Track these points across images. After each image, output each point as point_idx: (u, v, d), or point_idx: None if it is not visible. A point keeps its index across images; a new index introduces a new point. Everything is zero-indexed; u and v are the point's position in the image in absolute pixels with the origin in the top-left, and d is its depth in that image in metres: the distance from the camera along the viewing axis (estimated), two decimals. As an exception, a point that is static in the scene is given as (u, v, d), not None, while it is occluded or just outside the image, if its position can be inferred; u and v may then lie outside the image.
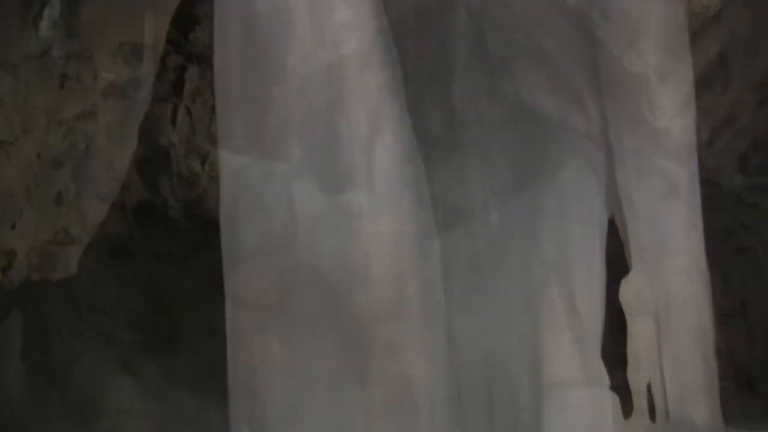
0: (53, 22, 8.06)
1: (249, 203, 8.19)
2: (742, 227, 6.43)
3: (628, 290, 7.09)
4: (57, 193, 7.39)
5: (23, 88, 7.46)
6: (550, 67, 6.93)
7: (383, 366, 7.38)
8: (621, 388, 7.02)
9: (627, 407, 7.04)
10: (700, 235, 6.53)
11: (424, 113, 8.14)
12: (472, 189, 7.92)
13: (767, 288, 6.45)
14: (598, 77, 6.62)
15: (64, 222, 7.35)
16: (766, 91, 5.93)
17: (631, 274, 7.07)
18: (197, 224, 7.74)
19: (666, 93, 6.13)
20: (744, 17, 5.82)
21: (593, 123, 6.87)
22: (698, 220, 6.49)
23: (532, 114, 7.39)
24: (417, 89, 8.18)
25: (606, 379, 6.93)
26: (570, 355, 7.05)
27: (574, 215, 7.36)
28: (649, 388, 6.96)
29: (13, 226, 7.13)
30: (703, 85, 6.01)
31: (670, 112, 6.18)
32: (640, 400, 7.02)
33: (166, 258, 7.61)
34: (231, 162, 8.31)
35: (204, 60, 8.46)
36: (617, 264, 7.12)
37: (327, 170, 8.21)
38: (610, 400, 6.96)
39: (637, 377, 7.07)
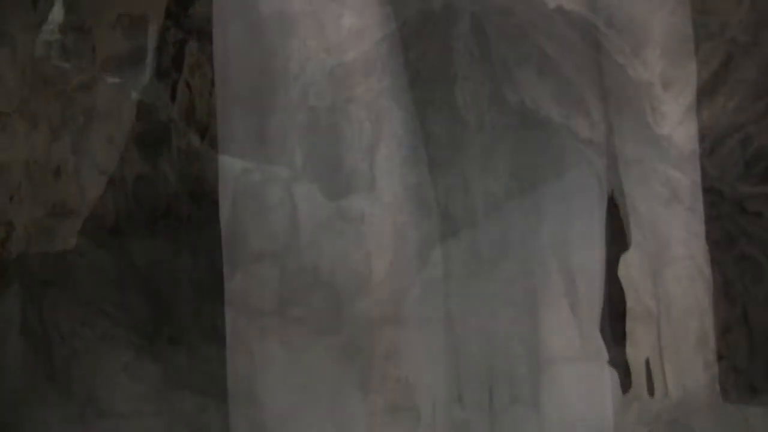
0: (52, -6, 8.09)
1: (250, 207, 8.21)
2: (745, 235, 6.43)
3: (629, 297, 7.11)
4: (56, 166, 7.39)
5: (21, 60, 7.46)
6: (553, 74, 6.94)
7: (384, 370, 7.40)
8: (619, 363, 7.05)
9: (626, 382, 7.06)
10: (702, 242, 6.55)
11: (427, 119, 8.16)
12: (474, 195, 7.94)
13: (769, 296, 6.47)
14: (601, 85, 6.63)
15: (62, 195, 7.36)
16: (769, 99, 5.94)
17: (633, 281, 7.08)
18: (196, 199, 7.75)
19: (669, 101, 6.14)
20: (748, 26, 5.82)
21: (596, 130, 6.88)
22: (700, 227, 6.50)
23: (535, 120, 7.40)
24: (419, 94, 8.21)
25: (605, 354, 6.96)
26: (568, 332, 7.10)
27: (576, 221, 7.38)
28: (648, 364, 6.97)
29: (11, 199, 7.14)
30: (706, 94, 6.04)
31: (674, 120, 6.19)
32: (638, 376, 7.05)
33: (165, 233, 7.61)
34: (232, 166, 8.32)
35: (204, 34, 8.43)
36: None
37: (329, 175, 8.23)
38: (608, 375, 7.00)
39: (635, 354, 7.10)
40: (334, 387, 7.45)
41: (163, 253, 7.49)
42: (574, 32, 6.40)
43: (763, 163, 6.03)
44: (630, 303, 7.09)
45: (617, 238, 7.05)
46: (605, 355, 7.03)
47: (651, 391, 6.99)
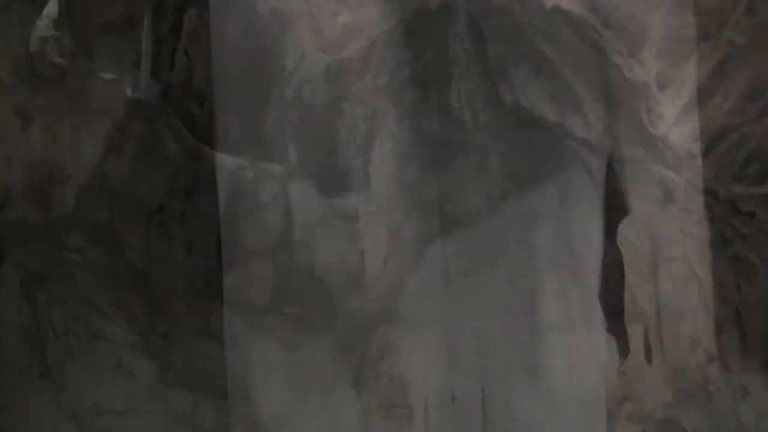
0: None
1: (244, 204, 8.22)
2: (739, 236, 6.43)
3: (623, 298, 7.13)
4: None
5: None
6: (549, 74, 6.95)
7: (378, 369, 7.43)
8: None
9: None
10: (696, 243, 6.56)
11: (422, 117, 8.17)
12: (470, 193, 7.94)
13: (762, 297, 6.47)
14: (598, 85, 6.64)
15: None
16: (765, 101, 5.93)
17: (627, 281, 7.09)
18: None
19: (665, 101, 6.16)
20: (745, 27, 5.83)
21: (592, 130, 6.89)
22: (694, 228, 6.52)
23: (531, 120, 7.42)
24: (415, 93, 8.21)
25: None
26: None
27: (572, 221, 7.40)
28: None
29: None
30: (702, 95, 6.05)
31: (669, 121, 6.20)
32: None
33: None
34: (227, 163, 8.33)
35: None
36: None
37: (323, 173, 8.24)
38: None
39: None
40: (328, 384, 7.47)
41: (158, 249, 7.50)
42: (571, 32, 6.41)
43: (758, 164, 6.04)
44: (624, 303, 7.11)
45: (611, 238, 7.07)
46: (603, 357, 7.06)
47: (645, 395, 7.02)
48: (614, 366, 7.13)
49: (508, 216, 7.76)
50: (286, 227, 8.27)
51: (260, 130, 8.73)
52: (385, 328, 7.47)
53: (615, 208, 6.97)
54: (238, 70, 8.16)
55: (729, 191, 6.22)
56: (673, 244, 6.70)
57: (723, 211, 6.41)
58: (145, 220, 7.58)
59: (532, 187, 7.79)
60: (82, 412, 6.84)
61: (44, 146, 7.32)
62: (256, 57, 8.22)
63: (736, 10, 5.84)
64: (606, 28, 6.14)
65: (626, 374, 7.17)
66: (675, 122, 6.16)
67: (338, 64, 8.00)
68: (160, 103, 8.28)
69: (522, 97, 7.21)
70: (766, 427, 6.50)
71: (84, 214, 7.33)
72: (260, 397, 7.27)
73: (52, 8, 8.54)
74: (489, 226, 7.81)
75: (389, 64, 8.17)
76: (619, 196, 6.92)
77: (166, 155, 7.73)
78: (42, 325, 6.92)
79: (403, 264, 7.96)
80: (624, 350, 7.14)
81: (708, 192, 6.36)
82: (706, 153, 6.15)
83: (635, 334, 7.10)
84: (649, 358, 7.07)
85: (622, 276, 7.08)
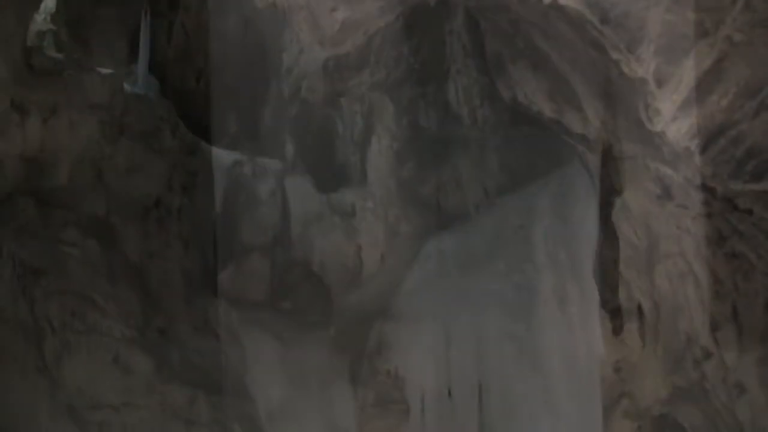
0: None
1: (241, 200, 8.22)
2: (736, 233, 6.43)
3: (620, 294, 7.14)
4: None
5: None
6: (547, 70, 6.95)
7: (375, 364, 7.43)
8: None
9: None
10: (693, 239, 6.56)
11: (419, 113, 8.17)
12: (467, 189, 7.95)
13: (759, 293, 6.46)
14: (595, 81, 6.64)
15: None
16: (762, 98, 5.92)
17: (624, 277, 7.10)
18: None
19: (663, 98, 6.15)
20: (742, 24, 5.82)
21: (589, 126, 6.89)
22: (691, 224, 6.52)
23: (528, 116, 7.42)
24: (412, 89, 8.21)
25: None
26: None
27: (569, 217, 7.41)
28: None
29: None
30: (700, 91, 6.03)
31: (667, 117, 6.18)
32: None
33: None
34: (224, 158, 8.32)
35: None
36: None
37: (321, 168, 8.24)
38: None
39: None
40: (325, 380, 7.47)
41: (155, 244, 7.48)
42: (568, 28, 6.40)
43: (755, 161, 6.02)
44: (621, 299, 7.11)
45: (609, 234, 7.07)
46: (600, 353, 7.07)
47: (641, 392, 7.04)
48: (611, 363, 7.14)
49: (506, 212, 7.77)
50: (283, 222, 8.27)
51: (257, 125, 8.74)
52: (382, 323, 7.48)
53: (612, 204, 6.97)
54: (235, 65, 8.16)
55: (726, 188, 6.21)
56: (670, 241, 6.70)
57: (720, 208, 6.40)
58: (142, 215, 7.57)
59: (529, 183, 7.80)
60: (79, 407, 6.83)
61: (41, 140, 7.31)
62: (253, 52, 8.22)
63: (734, 8, 5.82)
64: (604, 24, 6.13)
65: (622, 371, 7.17)
66: (673, 119, 6.15)
67: (336, 59, 8.00)
68: (157, 97, 8.29)
69: (520, 93, 7.21)
70: (763, 423, 6.50)
71: (80, 208, 7.33)
72: (257, 392, 7.28)
73: (49, 3, 8.54)
74: (486, 222, 7.81)
75: (387, 60, 8.17)
76: (616, 192, 6.92)
77: (163, 150, 7.73)
78: (39, 320, 6.91)
79: (401, 260, 7.97)
80: (620, 347, 7.15)
81: (705, 189, 6.35)
82: (703, 150, 6.13)
83: (632, 330, 7.11)
84: (645, 354, 7.09)
85: (619, 272, 7.10)
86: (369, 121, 8.06)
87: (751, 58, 5.89)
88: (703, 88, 6.01)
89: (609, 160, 6.89)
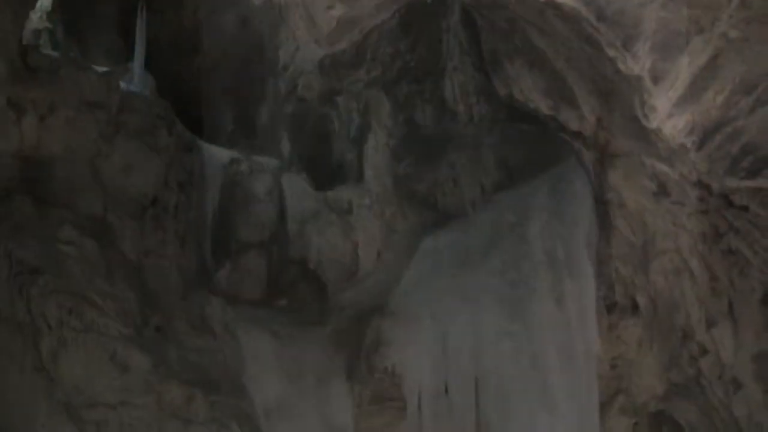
0: None
1: (238, 197, 8.22)
2: (732, 229, 6.44)
3: (616, 291, 7.15)
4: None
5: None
6: (543, 67, 6.95)
7: (371, 361, 7.43)
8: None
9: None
10: (689, 236, 6.57)
11: (416, 110, 8.17)
12: (463, 186, 7.95)
13: (755, 290, 6.47)
14: (591, 78, 6.64)
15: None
16: (758, 95, 5.93)
17: (620, 274, 7.11)
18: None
19: (659, 94, 6.15)
20: (738, 21, 5.82)
21: (585, 123, 6.90)
22: (687, 221, 6.53)
23: (525, 113, 7.42)
24: (409, 86, 8.22)
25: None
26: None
27: (564, 214, 7.41)
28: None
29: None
30: (696, 88, 6.03)
31: (663, 114, 6.18)
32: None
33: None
34: (221, 156, 8.32)
35: None
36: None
37: (317, 166, 8.25)
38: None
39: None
40: (321, 377, 7.47)
41: (152, 242, 7.48)
42: (564, 25, 6.40)
43: (751, 158, 6.02)
44: (617, 296, 7.12)
45: (605, 231, 7.08)
46: (597, 350, 7.08)
47: (638, 388, 7.05)
48: (607, 359, 7.15)
49: (502, 209, 7.76)
50: (280, 220, 8.27)
51: (254, 123, 8.74)
52: (379, 321, 7.47)
53: (608, 201, 6.98)
54: (232, 63, 8.17)
55: (722, 184, 6.22)
56: (666, 237, 6.71)
57: (716, 205, 6.41)
58: (139, 213, 7.57)
59: (526, 180, 7.80)
60: (76, 405, 6.81)
61: (37, 138, 7.31)
62: (250, 50, 8.22)
63: (729, 4, 5.82)
64: (600, 21, 6.12)
65: (619, 367, 7.18)
66: (668, 115, 6.15)
67: (332, 57, 7.99)
68: (153, 95, 8.29)
69: (516, 90, 7.21)
70: (759, 419, 6.51)
71: (77, 207, 7.32)
72: (254, 390, 7.27)
73: (45, 1, 8.55)
74: (483, 219, 7.81)
75: (383, 57, 8.17)
76: (612, 189, 6.92)
77: (159, 148, 7.72)
78: (36, 319, 6.89)
79: (397, 257, 7.96)
80: (617, 343, 7.16)
81: (701, 185, 6.36)
82: (699, 146, 6.14)
83: (628, 327, 7.12)
84: (642, 351, 7.10)
85: (616, 269, 7.11)
86: (365, 118, 8.06)
87: (746, 55, 5.89)
88: (699, 84, 6.01)
89: (605, 156, 6.90)
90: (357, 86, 8.06)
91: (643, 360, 7.09)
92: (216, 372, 7.22)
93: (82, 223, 7.28)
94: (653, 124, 6.25)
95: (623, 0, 6.07)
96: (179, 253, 7.68)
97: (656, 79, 6.14)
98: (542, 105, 7.12)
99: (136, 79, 8.54)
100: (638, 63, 6.10)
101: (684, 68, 6.03)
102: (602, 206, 7.06)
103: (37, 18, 8.40)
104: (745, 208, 6.30)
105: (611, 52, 6.19)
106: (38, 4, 8.18)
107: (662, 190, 6.58)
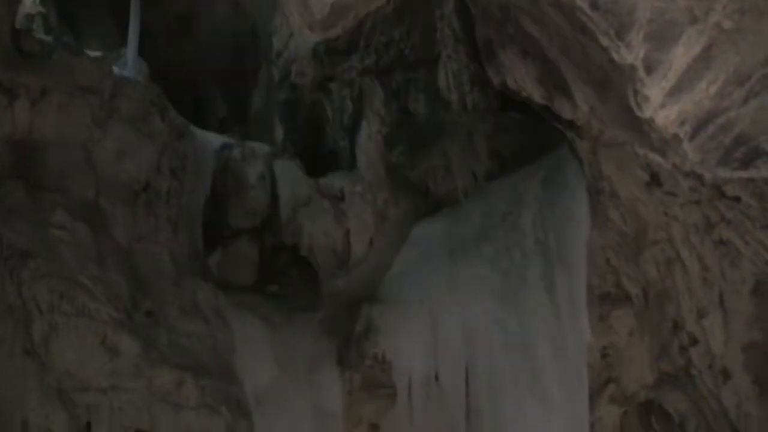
0: None
1: (231, 183, 8.22)
2: (723, 220, 6.45)
3: (607, 280, 7.16)
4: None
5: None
6: (537, 56, 6.93)
7: (362, 348, 7.44)
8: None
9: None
10: (681, 226, 6.57)
11: (409, 98, 8.17)
12: (456, 175, 7.96)
13: (746, 281, 6.49)
14: (585, 67, 6.62)
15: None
16: (751, 85, 5.92)
17: (612, 263, 7.12)
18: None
19: (652, 84, 6.13)
20: (732, 11, 5.81)
21: (578, 112, 6.88)
22: (680, 211, 6.53)
23: (518, 102, 7.40)
24: (402, 74, 8.21)
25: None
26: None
27: (557, 203, 7.41)
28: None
29: None
30: (689, 78, 6.02)
31: (656, 104, 6.17)
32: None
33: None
34: (213, 142, 8.32)
35: None
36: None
37: (310, 152, 8.25)
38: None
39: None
40: (312, 363, 7.48)
41: (144, 228, 7.47)
42: (558, 14, 6.37)
43: (744, 148, 6.01)
44: (609, 286, 7.13)
45: (597, 221, 7.08)
46: (588, 339, 7.10)
47: (628, 377, 7.07)
48: (598, 348, 7.16)
49: (494, 197, 7.77)
50: (272, 206, 8.28)
51: (247, 109, 8.73)
52: (370, 307, 7.48)
53: (601, 191, 6.98)
54: (225, 49, 8.15)
55: (714, 175, 6.22)
56: (658, 228, 6.72)
57: (708, 195, 6.42)
58: (131, 199, 7.56)
59: (518, 169, 7.80)
60: (67, 389, 6.81)
61: (30, 123, 7.29)
62: (243, 36, 8.21)
63: (722, -6, 5.81)
64: (593, 10, 6.09)
65: (609, 356, 7.20)
66: (661, 105, 6.12)
67: (326, 44, 7.99)
68: (146, 81, 8.27)
69: (509, 79, 7.19)
70: (748, 409, 6.54)
71: (69, 191, 7.31)
72: (245, 375, 7.27)
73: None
74: (475, 208, 7.81)
75: (377, 45, 8.17)
76: (604, 179, 6.92)
77: (152, 134, 7.71)
78: (27, 303, 6.88)
79: (389, 244, 7.97)
80: (608, 333, 7.17)
81: (693, 176, 6.36)
82: (692, 137, 6.12)
83: (619, 316, 7.13)
84: (632, 340, 7.11)
85: (608, 258, 7.12)
86: (358, 105, 8.06)
87: (740, 45, 5.87)
88: (692, 75, 5.98)
89: (598, 146, 6.89)
90: (350, 73, 8.06)
91: (634, 350, 7.11)
92: (207, 357, 7.22)
93: (74, 208, 7.27)
94: (646, 114, 6.22)
95: (617, -12, 6.07)
96: (171, 238, 7.67)
97: (649, 69, 6.11)
98: (535, 94, 7.10)
99: (129, 65, 8.51)
100: (632, 52, 6.07)
101: (677, 58, 6.00)
102: (595, 196, 7.05)
103: (30, 2, 8.37)
104: (737, 199, 6.30)
105: (605, 41, 6.16)
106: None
107: (655, 180, 6.58)
